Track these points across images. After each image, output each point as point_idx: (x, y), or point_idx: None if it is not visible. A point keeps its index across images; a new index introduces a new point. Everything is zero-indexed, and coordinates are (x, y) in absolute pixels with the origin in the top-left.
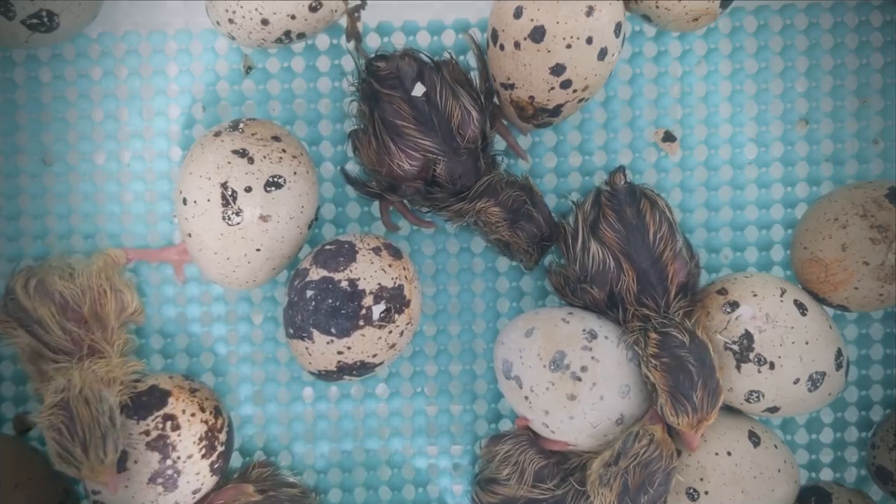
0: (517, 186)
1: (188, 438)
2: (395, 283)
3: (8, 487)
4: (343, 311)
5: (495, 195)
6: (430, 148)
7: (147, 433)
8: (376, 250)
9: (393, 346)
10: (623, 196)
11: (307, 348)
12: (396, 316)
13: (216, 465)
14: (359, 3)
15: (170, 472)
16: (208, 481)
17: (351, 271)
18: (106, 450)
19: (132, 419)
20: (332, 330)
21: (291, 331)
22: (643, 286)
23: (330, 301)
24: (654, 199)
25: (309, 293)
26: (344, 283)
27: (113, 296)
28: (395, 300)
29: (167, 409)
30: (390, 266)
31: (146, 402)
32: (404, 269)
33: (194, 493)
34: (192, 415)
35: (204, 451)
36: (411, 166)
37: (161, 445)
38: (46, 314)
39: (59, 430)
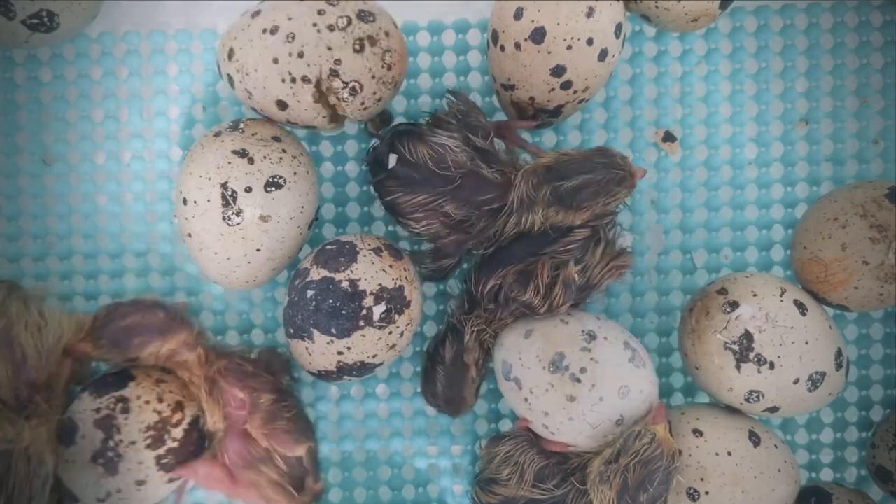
0: (538, 179)
1: (134, 425)
2: (395, 283)
3: None
4: (344, 312)
5: (531, 205)
6: (424, 200)
7: (97, 410)
8: (377, 251)
9: (393, 346)
10: None
11: (307, 348)
12: (397, 317)
13: (164, 460)
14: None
15: (110, 454)
16: (154, 474)
17: (352, 272)
18: None
19: (91, 395)
20: (333, 330)
21: (291, 331)
22: None
23: (330, 301)
24: None
25: (309, 293)
26: (345, 284)
27: (69, 367)
28: (396, 301)
29: (124, 392)
30: (391, 267)
31: (110, 381)
32: (405, 269)
33: (138, 483)
34: (146, 402)
35: (150, 441)
36: (429, 226)
37: (106, 426)
38: (1, 370)
39: None
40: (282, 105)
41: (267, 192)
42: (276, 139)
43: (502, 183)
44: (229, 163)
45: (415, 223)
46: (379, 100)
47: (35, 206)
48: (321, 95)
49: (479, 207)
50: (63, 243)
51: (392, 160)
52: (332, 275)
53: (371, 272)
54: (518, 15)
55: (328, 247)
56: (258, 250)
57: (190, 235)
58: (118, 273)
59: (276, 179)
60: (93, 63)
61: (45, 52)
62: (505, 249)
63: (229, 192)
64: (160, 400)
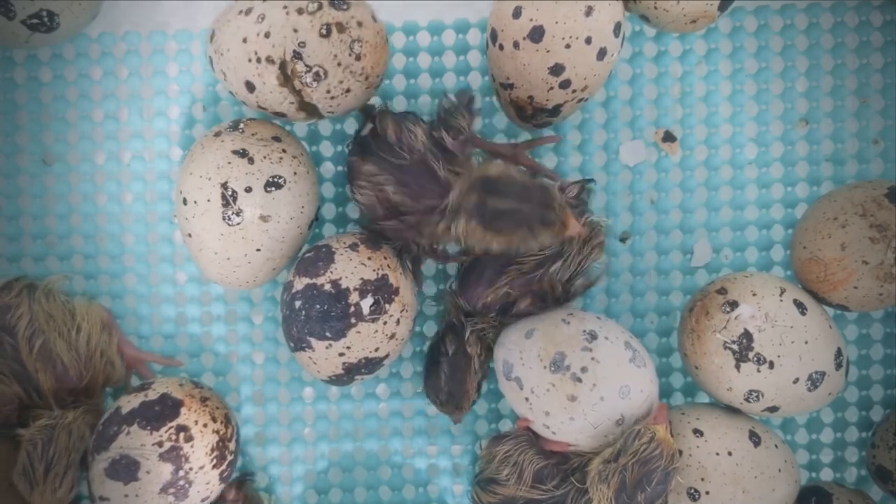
0: (471, 186)
1: (201, 449)
2: (377, 274)
3: (3, 486)
4: (332, 313)
5: (457, 212)
6: (370, 170)
7: (160, 444)
8: (353, 246)
9: (393, 336)
10: None
11: (310, 357)
12: (387, 306)
13: (225, 474)
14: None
15: (182, 482)
16: (216, 489)
17: (332, 273)
18: (62, 482)
19: (145, 429)
20: (327, 334)
21: (292, 344)
22: None
23: (318, 307)
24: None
25: (297, 303)
26: (327, 286)
27: (103, 369)
28: (382, 291)
29: (180, 420)
30: (370, 259)
31: (159, 411)
32: (385, 258)
33: (203, 500)
34: (205, 425)
35: (215, 461)
36: (365, 196)
37: (174, 457)
38: (45, 383)
39: (36, 445)
40: (250, 87)
41: (267, 192)
42: (277, 139)
43: (450, 184)
44: (229, 163)
45: (357, 189)
46: (347, 90)
47: (35, 206)
48: (286, 79)
49: (418, 199)
50: (63, 243)
51: (366, 129)
52: (313, 280)
53: (350, 268)
54: (517, 14)
55: (306, 254)
56: (258, 250)
57: (190, 235)
58: (118, 273)
59: (276, 179)
60: (93, 63)
61: (45, 52)
62: (476, 264)
63: (229, 192)
64: (214, 419)
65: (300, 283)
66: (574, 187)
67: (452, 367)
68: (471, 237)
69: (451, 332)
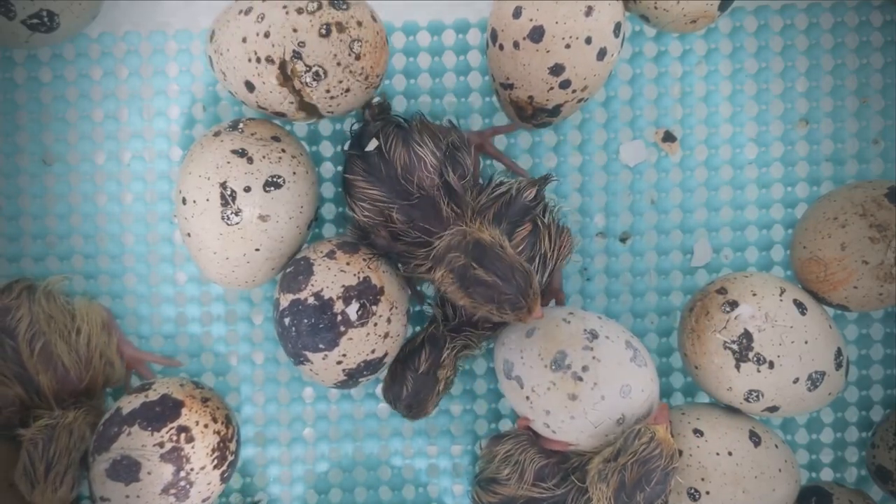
0: (463, 246)
1: (202, 450)
2: (358, 278)
3: (3, 487)
4: (321, 326)
5: (441, 261)
6: (378, 196)
7: (161, 445)
8: (330, 255)
9: (387, 335)
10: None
11: (311, 370)
12: (374, 308)
13: (226, 475)
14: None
15: (182, 483)
16: (217, 489)
17: (313, 285)
18: (62, 481)
19: (146, 430)
20: (320, 346)
21: (292, 359)
22: None
23: (306, 321)
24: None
25: (286, 321)
26: (311, 300)
27: (103, 370)
28: (366, 294)
29: (181, 421)
30: (348, 264)
31: (160, 412)
32: (364, 260)
33: (203, 501)
34: (206, 426)
35: (216, 461)
36: (366, 217)
37: (175, 457)
38: (46, 384)
39: (37, 444)
40: (250, 87)
41: (266, 191)
42: (276, 139)
43: (452, 223)
44: (228, 162)
45: (359, 210)
46: (347, 90)
47: (35, 206)
48: (286, 79)
49: (419, 232)
50: (63, 243)
51: (371, 145)
52: (297, 296)
53: (330, 277)
54: (517, 14)
55: (287, 271)
56: (257, 250)
57: (189, 235)
58: (118, 273)
59: (275, 179)
60: (93, 63)
61: (45, 52)
62: None
63: (228, 192)
64: (215, 420)
65: (285, 301)
66: (531, 191)
67: (418, 386)
68: (444, 287)
69: (429, 345)
